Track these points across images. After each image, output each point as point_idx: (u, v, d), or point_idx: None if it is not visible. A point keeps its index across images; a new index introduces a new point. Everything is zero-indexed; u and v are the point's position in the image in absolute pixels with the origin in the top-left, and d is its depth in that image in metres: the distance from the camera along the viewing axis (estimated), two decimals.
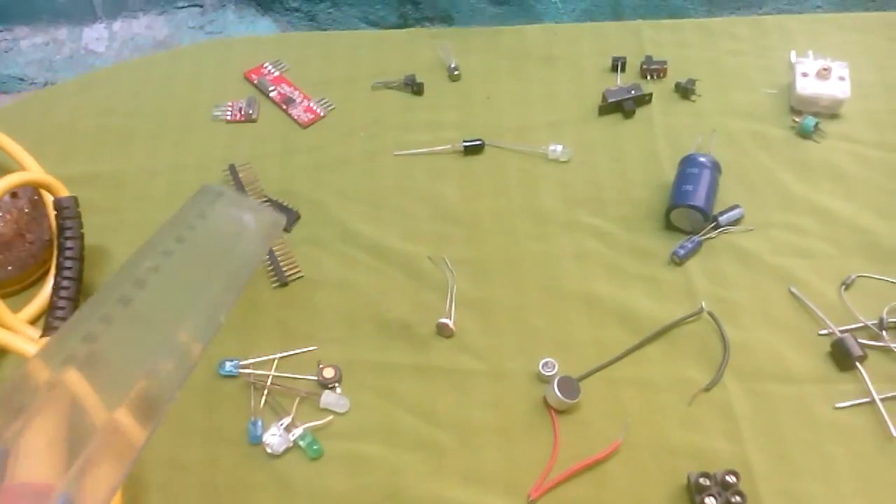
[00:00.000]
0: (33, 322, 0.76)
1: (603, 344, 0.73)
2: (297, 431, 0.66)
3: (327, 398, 0.69)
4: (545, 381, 0.70)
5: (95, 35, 1.17)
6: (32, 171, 0.81)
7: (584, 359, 0.72)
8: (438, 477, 0.65)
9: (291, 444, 0.66)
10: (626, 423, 0.68)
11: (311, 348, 0.73)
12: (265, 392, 0.69)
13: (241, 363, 0.71)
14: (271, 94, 0.93)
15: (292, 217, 0.82)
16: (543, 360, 0.71)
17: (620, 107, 0.91)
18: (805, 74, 0.90)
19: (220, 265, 0.64)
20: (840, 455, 0.66)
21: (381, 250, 0.79)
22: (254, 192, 0.83)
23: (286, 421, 0.67)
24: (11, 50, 1.21)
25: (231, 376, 0.71)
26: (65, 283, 0.74)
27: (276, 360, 0.72)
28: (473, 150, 0.87)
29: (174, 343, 0.58)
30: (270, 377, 0.70)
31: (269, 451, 0.66)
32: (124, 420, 0.52)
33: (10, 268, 0.77)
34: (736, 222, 0.81)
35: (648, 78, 0.95)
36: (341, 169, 0.86)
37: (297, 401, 0.69)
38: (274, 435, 0.66)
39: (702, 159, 0.82)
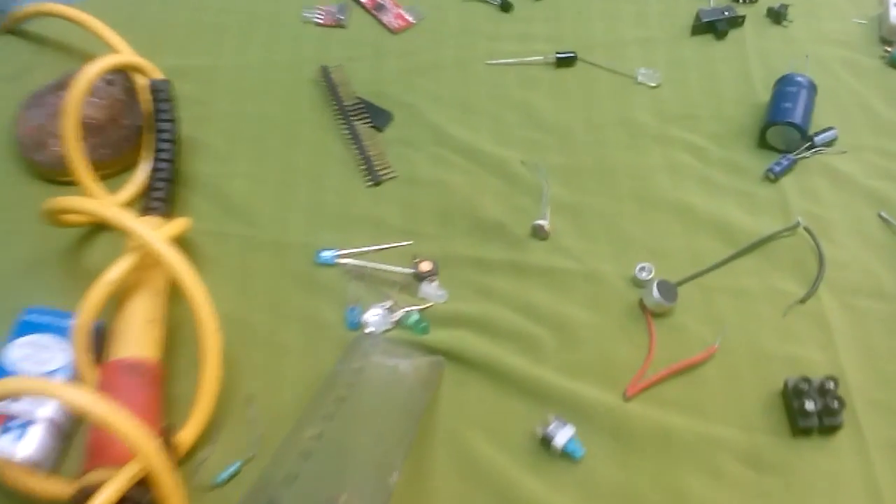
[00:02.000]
0: (129, 204, 0.76)
1: (697, 253, 0.73)
2: (399, 314, 0.67)
3: (426, 288, 0.69)
4: (641, 285, 0.71)
5: None
6: (125, 54, 0.81)
7: (678, 266, 0.72)
8: (538, 365, 0.66)
9: (392, 326, 0.67)
10: (725, 329, 0.68)
11: (406, 243, 0.73)
12: (362, 280, 0.70)
13: (338, 252, 0.72)
14: (362, 0, 0.92)
15: (385, 117, 0.82)
16: (640, 265, 0.71)
17: (713, 27, 0.89)
18: None
19: (385, 422, 0.58)
20: None
21: (474, 153, 0.79)
22: (346, 93, 0.83)
23: (389, 303, 0.68)
24: None
25: (328, 265, 0.72)
26: (161, 164, 0.73)
27: (372, 253, 0.72)
28: (566, 62, 0.86)
29: None
30: (368, 267, 0.71)
31: (368, 330, 0.66)
32: None
33: (104, 151, 0.78)
34: (830, 143, 0.80)
35: (740, 1, 0.93)
36: (433, 74, 0.86)
37: (396, 288, 0.69)
38: (376, 315, 0.67)
39: (800, 79, 0.81)
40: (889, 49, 0.89)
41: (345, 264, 0.71)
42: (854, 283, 0.71)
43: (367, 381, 0.60)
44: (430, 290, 0.69)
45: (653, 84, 0.85)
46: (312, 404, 0.58)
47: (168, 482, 0.53)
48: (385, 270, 0.71)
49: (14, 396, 0.59)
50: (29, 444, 0.59)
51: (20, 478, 0.57)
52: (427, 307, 0.69)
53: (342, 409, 0.57)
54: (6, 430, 0.59)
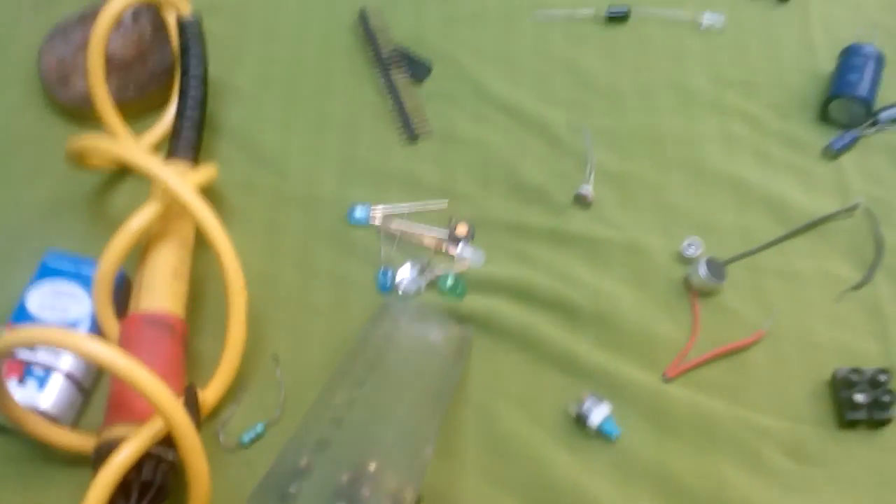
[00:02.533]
0: (156, 148, 0.73)
1: (748, 231, 0.69)
2: (431, 276, 0.64)
3: (463, 250, 0.66)
4: (687, 261, 0.67)
5: None
6: None
7: (727, 244, 0.69)
8: (574, 338, 0.63)
9: (423, 290, 0.64)
10: (774, 313, 0.65)
11: (442, 203, 0.70)
12: (397, 240, 0.67)
13: (372, 209, 0.69)
14: None
15: (424, 70, 0.78)
16: (687, 240, 0.67)
17: None
18: None
19: (417, 392, 0.56)
20: None
21: (516, 112, 0.75)
22: (384, 41, 0.79)
23: (422, 264, 0.65)
24: None
25: (361, 225, 0.69)
26: (189, 108, 0.70)
27: (406, 212, 0.69)
28: (618, 18, 0.81)
29: (382, 490, 0.49)
30: (402, 228, 0.68)
31: (400, 292, 0.64)
32: None
33: (130, 90, 0.75)
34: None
35: None
36: (476, 24, 0.82)
37: (433, 251, 0.66)
38: (408, 277, 0.64)
39: (868, 49, 0.76)
40: None
41: (377, 224, 0.68)
42: None
43: (397, 349, 0.57)
44: (468, 251, 0.66)
45: (718, 27, 0.81)
46: (341, 369, 0.56)
47: (191, 441, 0.51)
48: (420, 233, 0.68)
49: (35, 345, 0.57)
50: (50, 395, 0.57)
51: (43, 428, 0.55)
52: (465, 268, 0.66)
53: (373, 376, 0.55)
54: (28, 376, 0.57)
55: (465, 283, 0.64)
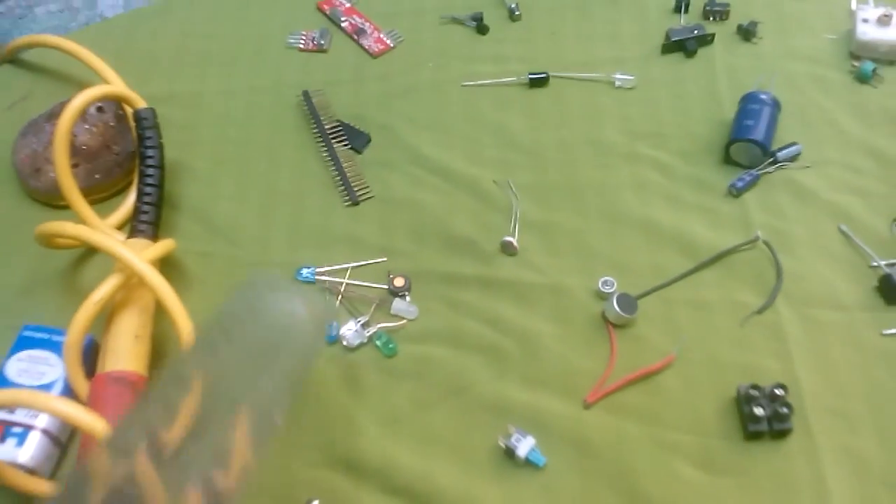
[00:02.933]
0: (120, 227, 0.80)
1: (660, 267, 0.76)
2: (372, 330, 0.71)
3: (398, 305, 0.73)
4: (604, 297, 0.74)
5: (110, 2, 1.18)
6: (114, 85, 0.86)
7: (641, 280, 0.75)
8: (501, 378, 0.70)
9: (366, 341, 0.71)
10: (682, 339, 0.71)
11: (381, 259, 0.77)
12: (340, 296, 0.74)
13: (317, 270, 0.76)
14: (343, 25, 0.96)
15: (363, 139, 0.86)
16: (603, 279, 0.74)
17: (683, 46, 0.93)
18: (866, 20, 0.91)
19: (274, 361, 0.58)
20: (886, 378, 0.69)
21: (447, 173, 0.83)
22: (327, 117, 0.87)
23: (363, 319, 0.71)
24: (26, 17, 1.23)
25: (308, 282, 0.76)
26: (147, 189, 0.77)
27: (349, 270, 0.76)
28: (538, 82, 0.90)
29: (225, 449, 0.52)
30: (344, 284, 0.75)
31: (344, 343, 0.70)
32: None
33: (97, 176, 0.82)
34: (793, 159, 0.83)
35: (711, 19, 0.96)
36: (410, 97, 0.90)
37: (373, 306, 0.73)
38: (350, 329, 0.70)
39: (763, 96, 0.84)
40: (856, 64, 0.91)
41: (323, 281, 0.75)
42: (811, 295, 0.74)
43: (258, 322, 0.59)
44: (402, 306, 0.73)
45: (629, 87, 0.89)
46: (198, 338, 0.59)
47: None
48: (361, 286, 0.75)
49: (11, 407, 0.63)
50: (28, 450, 0.63)
51: (23, 480, 0.61)
52: (400, 324, 0.72)
53: (229, 346, 0.57)
54: (7, 434, 0.64)
55: (396, 342, 0.71)
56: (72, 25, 1.30)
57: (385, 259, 0.77)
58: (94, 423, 0.56)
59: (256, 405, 0.55)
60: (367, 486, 0.65)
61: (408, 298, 0.74)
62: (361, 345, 0.71)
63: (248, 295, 0.61)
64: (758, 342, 0.71)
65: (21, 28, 1.38)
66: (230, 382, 0.55)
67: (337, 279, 0.75)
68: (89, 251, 0.79)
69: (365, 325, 0.71)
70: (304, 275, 0.76)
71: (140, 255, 0.67)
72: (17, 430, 0.64)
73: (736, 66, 0.92)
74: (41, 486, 0.62)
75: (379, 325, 0.71)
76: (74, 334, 0.65)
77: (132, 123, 0.83)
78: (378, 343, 0.71)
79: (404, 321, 0.72)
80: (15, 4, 1.41)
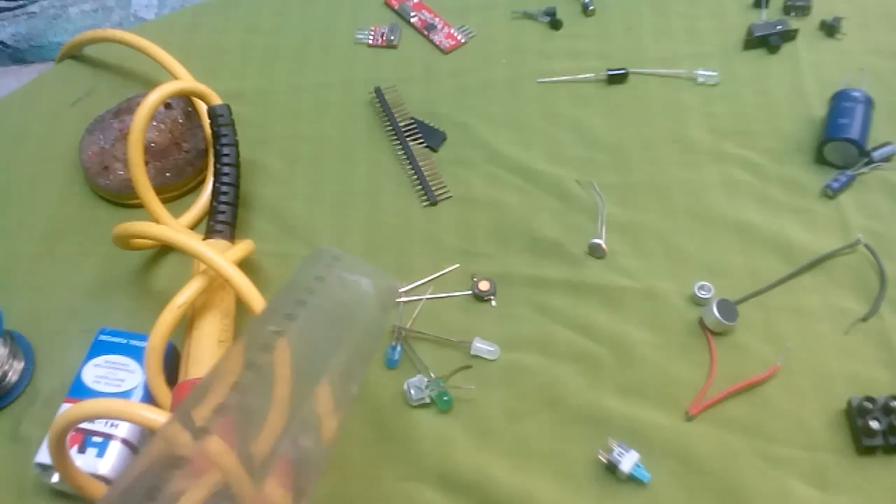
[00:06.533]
0: (193, 227, 0.78)
1: (756, 271, 0.73)
2: (437, 387, 0.67)
3: (478, 344, 0.69)
4: (700, 303, 0.71)
5: (144, 1, 1.16)
6: (186, 80, 0.83)
7: (736, 285, 0.72)
8: (596, 388, 0.67)
9: (428, 400, 0.66)
10: (786, 348, 0.68)
11: (454, 267, 0.74)
12: (412, 346, 0.70)
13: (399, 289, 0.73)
14: (412, 20, 0.94)
15: (439, 137, 0.83)
16: (699, 283, 0.71)
17: (766, 41, 0.89)
18: None
19: (346, 330, 0.56)
20: None
21: (528, 172, 0.80)
22: (400, 114, 0.84)
23: (430, 379, 0.67)
24: (60, 17, 1.21)
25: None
26: (224, 188, 0.75)
27: (431, 286, 0.73)
28: (617, 78, 0.87)
29: (310, 415, 0.51)
30: (422, 301, 0.71)
31: (407, 397, 0.66)
32: (273, 494, 0.48)
33: (168, 174, 0.80)
34: (888, 159, 0.80)
35: (792, 14, 0.93)
36: (485, 94, 0.87)
37: (456, 370, 0.68)
38: (418, 385, 0.67)
39: (856, 94, 0.80)
40: None
41: (398, 327, 0.70)
42: None
43: (328, 291, 0.58)
44: (483, 346, 0.69)
45: (712, 83, 0.86)
46: (270, 305, 0.57)
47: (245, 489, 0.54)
48: (443, 297, 0.72)
49: (97, 418, 0.61)
50: (109, 460, 0.61)
51: (101, 493, 0.59)
52: (467, 388, 0.67)
53: (304, 312, 0.55)
54: (87, 445, 0.61)
55: (451, 395, 0.66)
56: (105, 25, 1.29)
57: (457, 266, 0.74)
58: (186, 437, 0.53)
59: (336, 375, 0.54)
60: (460, 500, 0.62)
61: (493, 302, 0.71)
62: (421, 400, 0.67)
63: (317, 267, 0.60)
64: (864, 351, 0.68)
65: (55, 28, 1.36)
66: (311, 352, 0.54)
67: (416, 297, 0.72)
68: (160, 252, 0.77)
69: (427, 386, 0.67)
70: None
71: (223, 256, 0.65)
72: (97, 439, 0.62)
73: (820, 62, 0.89)
74: None
75: (444, 386, 0.67)
76: (157, 339, 0.63)
77: (204, 120, 0.81)
78: (433, 395, 0.66)
79: (473, 386, 0.67)
80: (49, 4, 1.40)
